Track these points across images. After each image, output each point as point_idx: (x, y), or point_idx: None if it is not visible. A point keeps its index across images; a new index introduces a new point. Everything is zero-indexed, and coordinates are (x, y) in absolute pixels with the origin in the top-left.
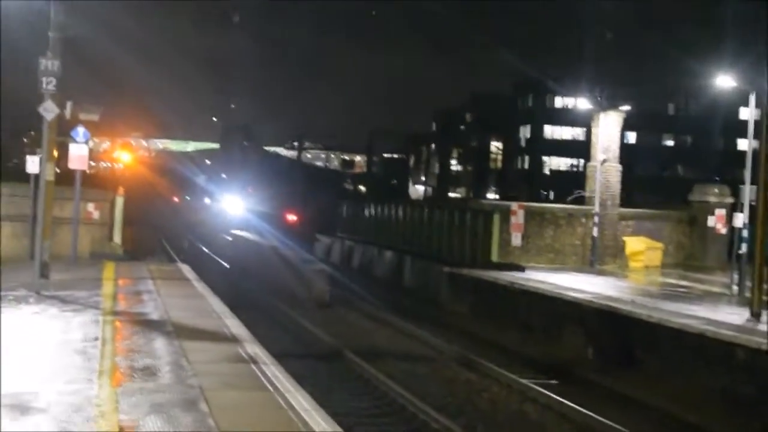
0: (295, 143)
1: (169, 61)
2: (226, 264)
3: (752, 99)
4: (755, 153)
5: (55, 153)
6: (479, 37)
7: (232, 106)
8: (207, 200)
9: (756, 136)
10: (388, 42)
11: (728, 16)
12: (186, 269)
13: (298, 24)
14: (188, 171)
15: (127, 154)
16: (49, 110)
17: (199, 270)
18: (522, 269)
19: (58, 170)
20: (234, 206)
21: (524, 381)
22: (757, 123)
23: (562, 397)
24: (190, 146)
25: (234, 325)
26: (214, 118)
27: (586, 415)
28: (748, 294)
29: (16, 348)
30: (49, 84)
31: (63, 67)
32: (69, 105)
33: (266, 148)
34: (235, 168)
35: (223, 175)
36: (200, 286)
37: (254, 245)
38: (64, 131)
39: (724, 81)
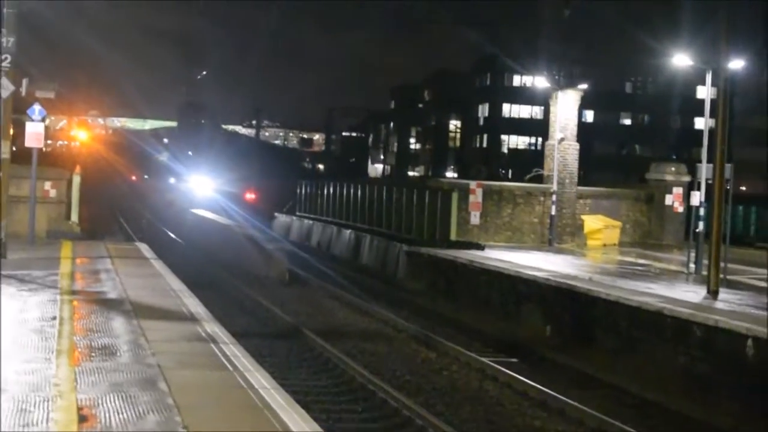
0: (253, 122)
1: (127, 38)
2: (182, 241)
3: (708, 78)
4: (712, 132)
5: (10, 131)
6: (438, 14)
7: (203, 73)
8: (171, 180)
9: (712, 114)
10: (348, 20)
11: None
12: (144, 248)
13: (257, 2)
14: (146, 149)
15: (83, 133)
16: (4, 88)
17: (158, 249)
18: (481, 248)
19: (14, 149)
20: (194, 185)
21: (483, 359)
22: (713, 102)
23: (521, 375)
24: (148, 124)
25: (193, 304)
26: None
27: (544, 392)
28: (705, 272)
29: None
30: (4, 61)
31: (18, 44)
32: (25, 82)
33: (224, 126)
34: (192, 147)
35: (189, 153)
36: (158, 265)
37: (213, 224)
38: (19, 109)
39: (681, 60)
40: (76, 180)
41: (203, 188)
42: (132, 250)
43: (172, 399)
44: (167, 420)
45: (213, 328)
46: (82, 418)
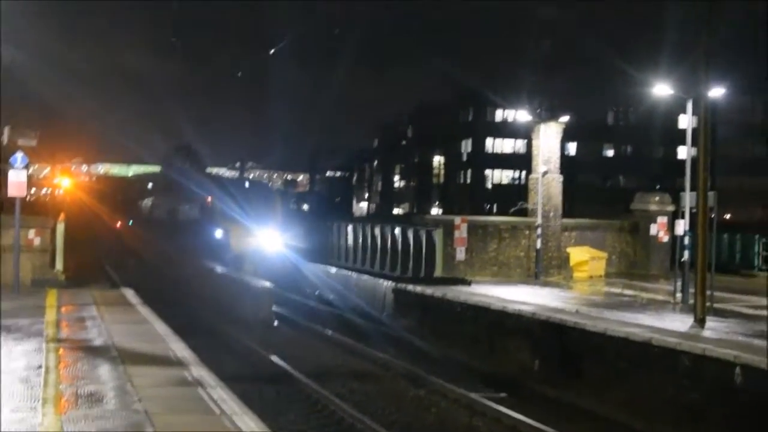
0: (238, 164)
1: (109, 85)
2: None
3: (689, 107)
4: (694, 161)
5: None
6: (420, 51)
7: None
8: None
9: (694, 143)
10: (329, 59)
11: (665, 26)
12: (130, 294)
13: (235, 45)
14: (129, 196)
15: (67, 180)
16: None
17: (143, 294)
18: (467, 283)
19: None
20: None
21: (472, 395)
22: (694, 131)
23: (511, 410)
24: (132, 170)
25: (179, 349)
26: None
27: (534, 427)
28: (692, 301)
29: None
30: None
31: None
32: (6, 131)
33: (209, 169)
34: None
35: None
36: (144, 311)
37: (202, 268)
38: (2, 158)
39: (662, 89)
40: (60, 228)
41: (273, 243)
42: (117, 296)
43: None
44: None
45: (200, 372)
46: None
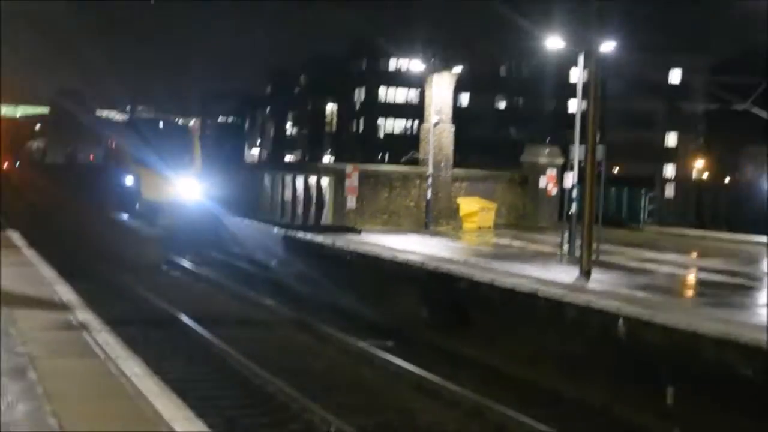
0: (128, 107)
1: None
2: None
3: (581, 60)
4: (584, 114)
5: None
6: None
7: None
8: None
9: (585, 97)
10: (223, 2)
11: None
12: (16, 236)
13: None
14: (16, 137)
15: None
16: None
17: (29, 237)
18: (358, 232)
19: None
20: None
21: (360, 343)
22: (585, 85)
23: (397, 358)
24: (20, 111)
25: (65, 292)
26: None
27: (419, 374)
28: (578, 253)
29: None
30: None
31: None
32: None
33: (99, 112)
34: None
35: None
36: (30, 254)
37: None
38: None
39: (554, 42)
40: None
41: (192, 193)
42: (3, 239)
43: (41, 387)
44: (37, 409)
45: (85, 315)
46: None
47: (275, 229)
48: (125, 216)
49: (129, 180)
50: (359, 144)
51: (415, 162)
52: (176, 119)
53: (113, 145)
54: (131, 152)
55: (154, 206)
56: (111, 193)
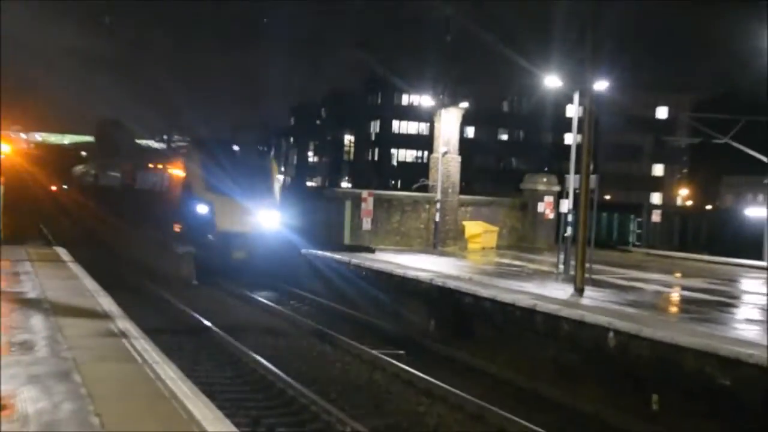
0: (165, 136)
1: (47, 58)
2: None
3: (576, 98)
4: (579, 146)
5: None
6: (334, 36)
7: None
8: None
9: (579, 131)
10: (250, 41)
11: (558, 23)
12: (63, 252)
13: (164, 25)
14: (64, 162)
15: (6, 146)
16: None
17: (75, 253)
18: (372, 251)
19: None
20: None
21: (374, 352)
22: (580, 120)
23: (408, 366)
24: (67, 139)
25: (106, 303)
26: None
27: (428, 381)
28: (572, 272)
29: None
30: None
31: None
32: None
33: (137, 140)
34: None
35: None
36: (75, 268)
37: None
38: None
39: (552, 81)
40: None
41: (271, 223)
42: (51, 253)
43: (85, 389)
44: (80, 408)
45: (125, 324)
46: (2, 408)
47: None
48: (187, 246)
49: (202, 209)
50: (374, 171)
51: (425, 188)
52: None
53: (180, 171)
54: (204, 178)
55: (229, 237)
56: (170, 221)
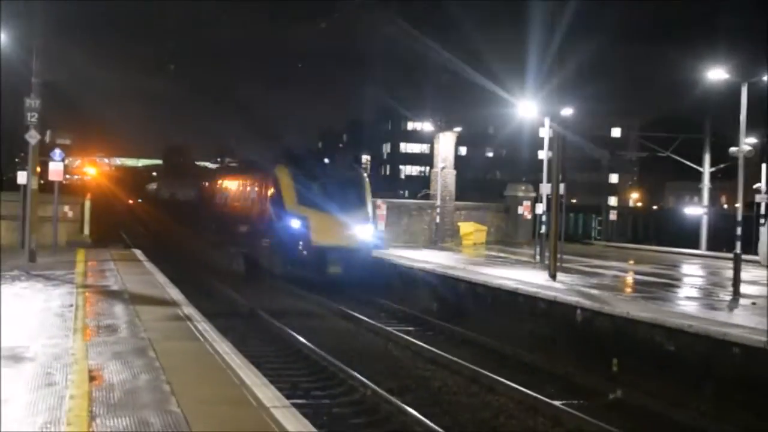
0: (219, 159)
1: (123, 98)
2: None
3: (546, 122)
4: (550, 160)
5: (38, 168)
6: (351, 75)
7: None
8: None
9: (550, 148)
10: (284, 79)
11: (528, 64)
12: (139, 253)
13: (218, 69)
14: (139, 181)
15: (93, 169)
16: (32, 137)
17: (149, 254)
18: (385, 248)
19: (41, 182)
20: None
21: (388, 328)
22: (550, 139)
23: (416, 339)
24: (141, 162)
25: (174, 293)
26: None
27: (432, 351)
28: (547, 261)
29: (12, 314)
30: (32, 117)
31: (43, 105)
32: (48, 133)
33: (196, 162)
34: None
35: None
36: (149, 266)
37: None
38: (45, 152)
39: (527, 108)
40: (87, 204)
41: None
42: (129, 254)
43: (158, 362)
44: (155, 378)
45: (189, 310)
46: (92, 378)
47: None
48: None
49: (295, 223)
50: (387, 183)
51: (427, 197)
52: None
53: (269, 185)
54: (298, 192)
55: (322, 252)
56: (260, 237)
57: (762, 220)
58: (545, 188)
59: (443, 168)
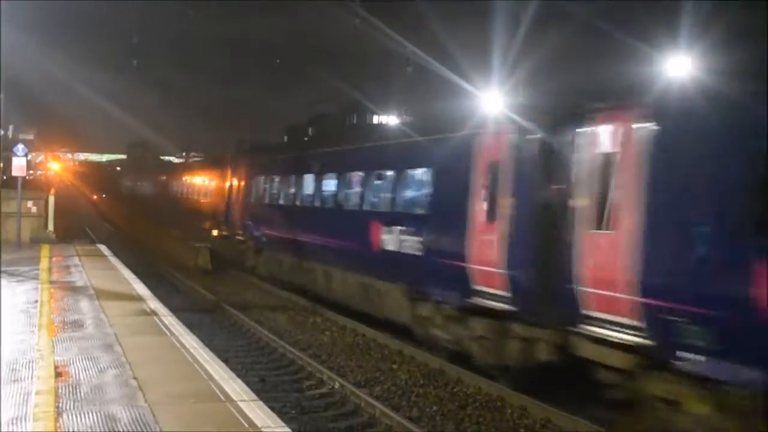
0: (184, 153)
1: (86, 94)
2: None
3: None
4: None
5: (1, 164)
6: (314, 66)
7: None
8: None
9: None
10: (243, 72)
11: (494, 50)
12: (104, 248)
13: (181, 68)
14: (103, 176)
15: (56, 164)
16: None
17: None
18: None
19: (4, 177)
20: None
21: (356, 323)
22: None
23: (383, 332)
24: (105, 157)
25: (140, 288)
26: None
27: (399, 343)
28: None
29: None
30: None
31: (5, 100)
32: (11, 128)
33: (162, 156)
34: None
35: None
36: (114, 261)
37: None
38: (7, 148)
39: (493, 101)
40: (51, 199)
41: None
42: (94, 250)
43: (125, 357)
44: (122, 373)
45: (155, 305)
46: (58, 374)
47: None
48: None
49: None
50: None
51: None
52: None
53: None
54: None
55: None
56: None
57: None
58: None
59: None
